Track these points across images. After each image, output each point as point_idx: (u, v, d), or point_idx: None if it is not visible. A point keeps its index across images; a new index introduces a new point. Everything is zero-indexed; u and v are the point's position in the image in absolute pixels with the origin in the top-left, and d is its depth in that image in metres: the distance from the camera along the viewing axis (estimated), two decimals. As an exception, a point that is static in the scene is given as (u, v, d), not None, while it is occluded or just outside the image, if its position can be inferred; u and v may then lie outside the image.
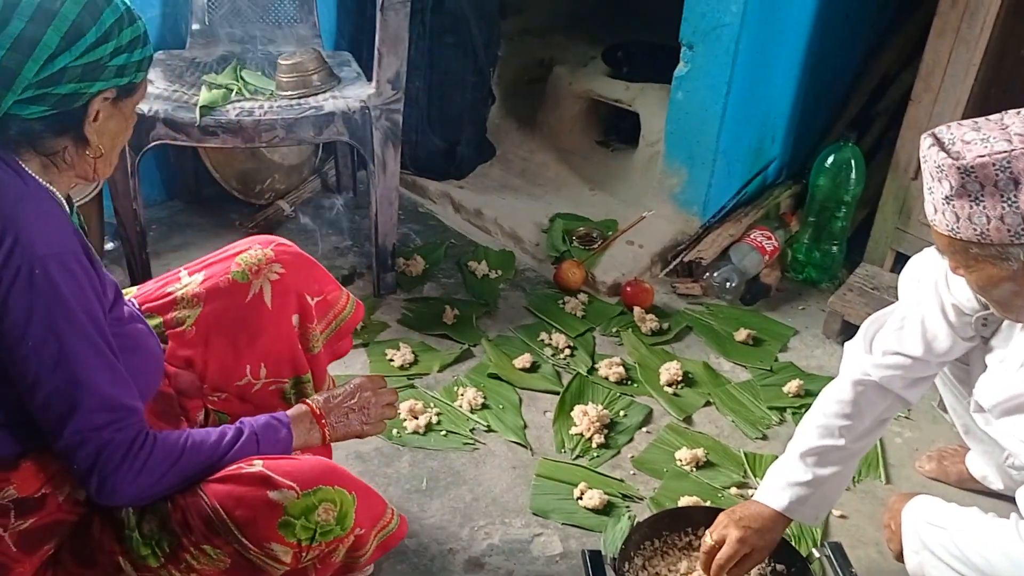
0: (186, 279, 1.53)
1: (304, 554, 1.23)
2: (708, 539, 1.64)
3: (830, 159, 2.64)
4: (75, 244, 1.16)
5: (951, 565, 1.36)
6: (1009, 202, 1.21)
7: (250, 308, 1.50)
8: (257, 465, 1.24)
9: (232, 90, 2.28)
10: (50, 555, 1.26)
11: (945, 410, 1.93)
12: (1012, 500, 1.91)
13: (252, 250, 1.54)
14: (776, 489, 1.62)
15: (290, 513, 1.20)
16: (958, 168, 1.23)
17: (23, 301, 1.10)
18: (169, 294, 1.51)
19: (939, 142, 1.28)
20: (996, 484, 1.94)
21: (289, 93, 2.29)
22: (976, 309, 1.52)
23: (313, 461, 1.30)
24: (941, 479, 2.04)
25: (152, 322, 1.47)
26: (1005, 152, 1.20)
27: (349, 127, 2.28)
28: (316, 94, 2.31)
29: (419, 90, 2.93)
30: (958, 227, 1.27)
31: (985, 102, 2.39)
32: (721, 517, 1.65)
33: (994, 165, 1.20)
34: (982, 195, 1.22)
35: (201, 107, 2.17)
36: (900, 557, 1.49)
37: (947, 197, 1.26)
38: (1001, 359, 1.53)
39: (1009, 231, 1.23)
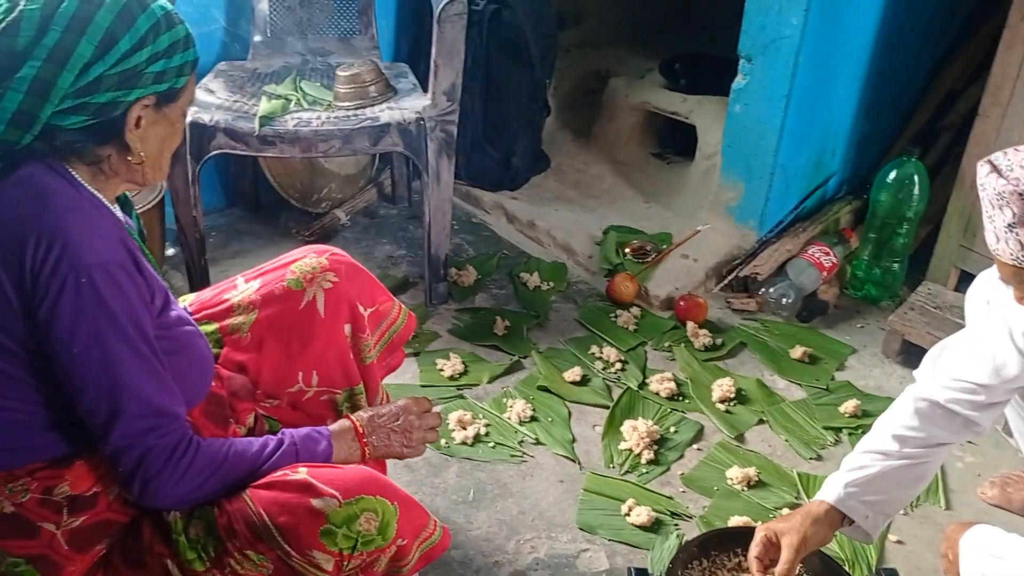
0: (242, 286, 1.55)
1: (345, 563, 1.24)
2: (758, 535, 1.55)
3: (892, 174, 2.58)
4: (121, 253, 1.18)
5: None
6: None
7: (303, 315, 1.52)
8: (302, 472, 1.25)
9: (291, 100, 2.32)
10: (101, 556, 1.29)
11: (1010, 434, 1.86)
12: (1079, 531, 1.85)
13: (307, 258, 1.56)
14: (828, 486, 1.55)
15: (332, 521, 1.20)
16: (1020, 194, 1.19)
17: (70, 309, 1.13)
18: (225, 300, 1.54)
19: (996, 169, 1.25)
20: (1063, 514, 1.87)
21: (346, 104, 2.32)
22: None
23: (356, 470, 1.30)
24: (1004, 506, 1.97)
25: (208, 328, 1.50)
26: None
27: (404, 138, 2.30)
28: (373, 105, 2.34)
29: (475, 101, 2.94)
30: (1023, 255, 1.23)
31: (1057, 117, 2.32)
32: (770, 524, 1.57)
33: None
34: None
35: (260, 117, 2.21)
36: (958, 589, 1.44)
37: (1010, 225, 1.23)
38: None
39: None
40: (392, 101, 2.37)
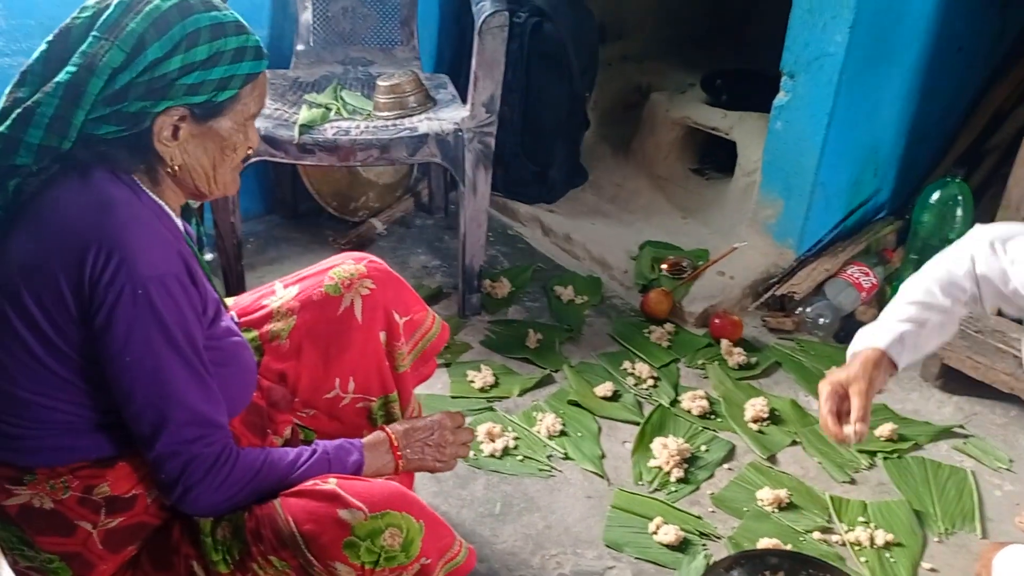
0: (281, 292, 1.57)
1: None
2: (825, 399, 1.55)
3: (936, 195, 2.54)
4: (177, 265, 1.20)
5: None
6: None
7: (341, 321, 1.53)
8: (331, 483, 1.26)
9: (331, 109, 2.35)
10: (131, 557, 1.31)
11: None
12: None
13: (345, 265, 1.57)
14: (881, 331, 1.56)
15: (356, 534, 1.21)
16: None
17: (125, 318, 1.15)
18: (264, 307, 1.56)
19: None
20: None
21: (386, 114, 2.34)
22: None
23: (385, 485, 1.30)
24: (1044, 539, 1.91)
25: (249, 336, 1.52)
26: None
27: (442, 149, 2.31)
28: (412, 115, 2.35)
29: (514, 113, 2.95)
30: None
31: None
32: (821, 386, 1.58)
33: None
34: None
35: (300, 126, 2.23)
36: (992, 610, 1.40)
37: None
38: None
39: None
40: (431, 112, 2.39)
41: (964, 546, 1.92)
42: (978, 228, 1.59)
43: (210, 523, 1.28)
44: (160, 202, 1.26)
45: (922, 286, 1.58)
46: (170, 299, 1.17)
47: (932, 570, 1.86)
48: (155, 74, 1.15)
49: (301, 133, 2.23)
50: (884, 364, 1.53)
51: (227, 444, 1.25)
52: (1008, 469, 2.11)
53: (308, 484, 1.27)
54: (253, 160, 2.27)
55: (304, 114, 2.28)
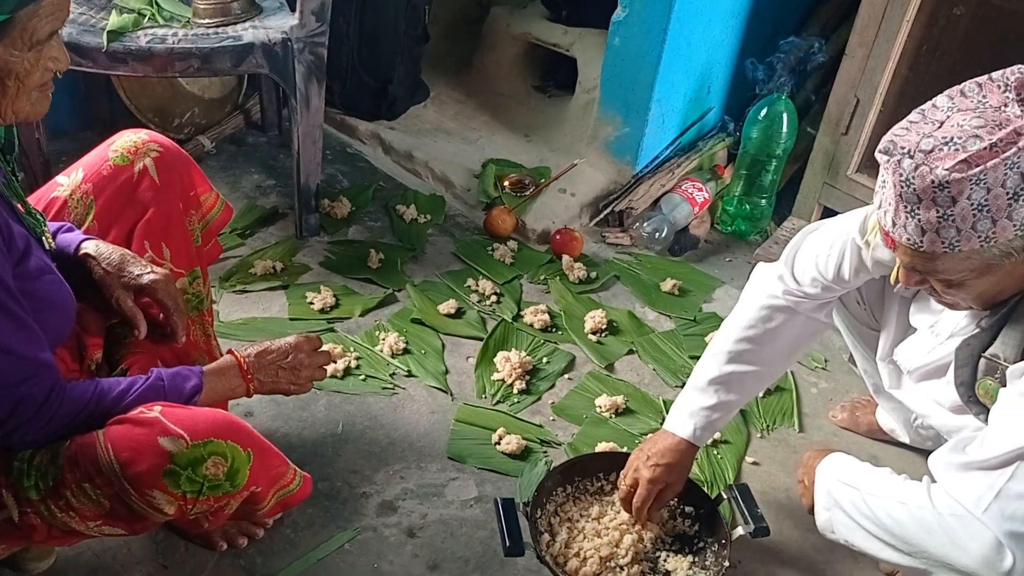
0: (65, 181, 1.49)
1: (190, 507, 1.21)
2: (622, 484, 1.66)
3: (763, 112, 2.63)
4: None
5: (861, 524, 1.37)
6: (982, 209, 1.15)
7: (138, 184, 1.49)
8: (156, 411, 1.22)
9: (145, 15, 2.16)
10: None
11: (855, 364, 1.95)
12: (917, 451, 1.97)
13: (124, 137, 1.53)
14: (683, 418, 1.65)
15: (177, 462, 1.17)
16: (932, 183, 1.14)
17: None
18: (55, 199, 1.47)
19: (909, 155, 1.18)
20: (903, 438, 1.99)
21: (206, 21, 2.18)
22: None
23: (211, 413, 1.27)
24: (852, 429, 2.07)
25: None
26: (977, 166, 1.13)
27: (270, 59, 2.18)
28: (236, 23, 2.20)
29: (349, 25, 2.82)
30: (922, 240, 1.20)
31: (916, 60, 2.39)
32: (632, 459, 1.67)
33: (971, 180, 1.13)
34: (951, 208, 1.15)
35: (109, 32, 2.05)
36: (812, 512, 1.51)
37: (912, 212, 1.19)
38: (931, 324, 1.54)
39: (979, 236, 1.17)
40: (256, 20, 2.24)
41: (783, 440, 2.05)
42: (760, 271, 1.72)
43: (30, 450, 1.23)
44: None
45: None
46: None
47: (755, 463, 1.98)
48: None
49: (110, 40, 2.05)
50: (685, 452, 1.66)
51: (56, 381, 1.21)
52: (824, 368, 2.26)
53: (134, 412, 1.23)
54: (58, 69, 2.08)
55: (113, 19, 2.09)
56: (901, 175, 1.18)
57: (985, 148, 1.14)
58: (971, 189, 1.14)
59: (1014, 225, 1.16)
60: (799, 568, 1.76)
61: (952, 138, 1.16)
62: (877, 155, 1.24)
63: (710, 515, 1.71)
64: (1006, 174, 1.13)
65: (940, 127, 1.20)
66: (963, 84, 1.23)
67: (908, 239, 1.22)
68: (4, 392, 1.16)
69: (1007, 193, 1.14)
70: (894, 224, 1.23)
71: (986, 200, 1.15)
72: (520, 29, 3.10)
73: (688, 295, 2.48)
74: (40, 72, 1.20)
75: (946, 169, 1.14)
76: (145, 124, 2.69)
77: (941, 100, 1.23)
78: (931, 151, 1.16)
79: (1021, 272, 1.24)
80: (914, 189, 1.17)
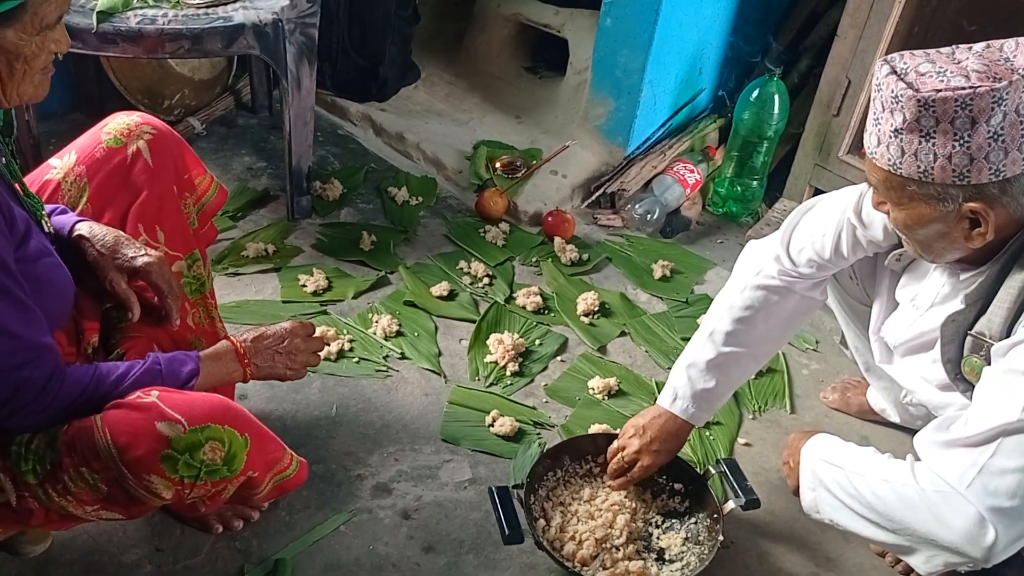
0: (58, 163, 1.49)
1: (187, 492, 1.21)
2: (616, 458, 1.71)
3: (755, 93, 2.63)
4: None
5: (846, 503, 1.39)
6: (961, 141, 1.18)
7: (131, 167, 1.49)
8: (153, 395, 1.23)
9: (134, -5, 2.14)
10: None
11: (847, 346, 1.96)
12: (907, 431, 1.99)
13: (117, 119, 1.53)
14: (683, 399, 1.68)
15: (174, 447, 1.18)
16: (918, 100, 1.18)
17: None
18: (48, 182, 1.47)
19: (895, 71, 1.22)
20: (894, 418, 2.01)
21: (197, 2, 2.16)
22: (892, 245, 1.53)
23: (209, 398, 1.27)
24: (843, 410, 2.09)
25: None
26: (966, 89, 1.16)
27: (261, 40, 2.17)
28: (226, 3, 2.18)
29: (340, 6, 2.80)
30: (901, 162, 1.23)
31: (907, 42, 2.40)
32: (629, 432, 1.70)
33: (956, 101, 1.16)
34: (935, 131, 1.19)
35: (98, 12, 2.03)
36: (798, 493, 1.52)
37: (897, 130, 1.22)
38: (912, 297, 1.55)
39: (954, 171, 1.20)
40: (247, 0, 2.22)
41: (775, 421, 2.07)
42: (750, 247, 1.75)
43: (27, 433, 1.23)
44: None
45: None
46: None
47: (747, 444, 2.00)
48: None
49: (100, 21, 2.02)
50: (681, 431, 1.70)
51: (56, 364, 1.21)
52: (815, 350, 2.28)
53: (131, 396, 1.23)
54: (47, 50, 2.06)
55: (103, 0, 2.07)
56: (892, 90, 1.21)
57: (981, 77, 1.17)
58: (955, 113, 1.17)
59: (989, 169, 1.19)
60: (791, 547, 1.78)
61: (948, 69, 1.20)
62: (876, 65, 1.27)
63: (700, 491, 1.73)
64: (993, 108, 1.16)
65: (943, 57, 1.23)
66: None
67: (889, 160, 1.25)
68: (4, 375, 1.16)
69: (988, 132, 1.17)
70: (878, 143, 1.26)
71: (968, 133, 1.17)
72: (511, 10, 3.09)
73: (680, 277, 2.49)
74: (45, 55, 1.21)
75: (935, 89, 1.17)
76: (135, 106, 2.67)
77: (953, 47, 1.25)
78: (925, 73, 1.20)
79: (959, 236, 1.28)
80: (901, 106, 1.20)
